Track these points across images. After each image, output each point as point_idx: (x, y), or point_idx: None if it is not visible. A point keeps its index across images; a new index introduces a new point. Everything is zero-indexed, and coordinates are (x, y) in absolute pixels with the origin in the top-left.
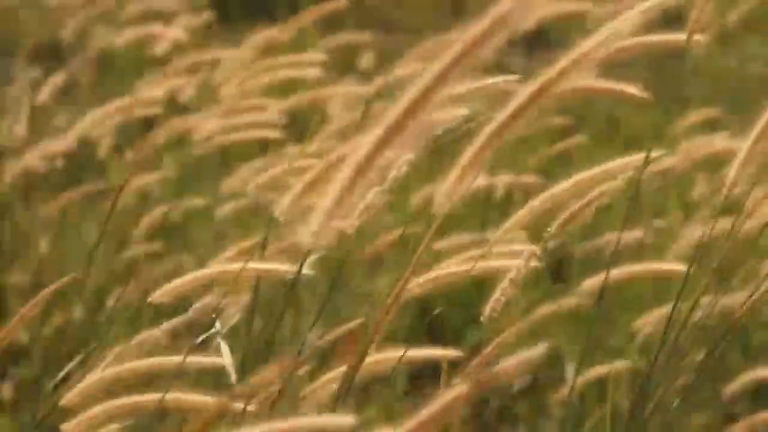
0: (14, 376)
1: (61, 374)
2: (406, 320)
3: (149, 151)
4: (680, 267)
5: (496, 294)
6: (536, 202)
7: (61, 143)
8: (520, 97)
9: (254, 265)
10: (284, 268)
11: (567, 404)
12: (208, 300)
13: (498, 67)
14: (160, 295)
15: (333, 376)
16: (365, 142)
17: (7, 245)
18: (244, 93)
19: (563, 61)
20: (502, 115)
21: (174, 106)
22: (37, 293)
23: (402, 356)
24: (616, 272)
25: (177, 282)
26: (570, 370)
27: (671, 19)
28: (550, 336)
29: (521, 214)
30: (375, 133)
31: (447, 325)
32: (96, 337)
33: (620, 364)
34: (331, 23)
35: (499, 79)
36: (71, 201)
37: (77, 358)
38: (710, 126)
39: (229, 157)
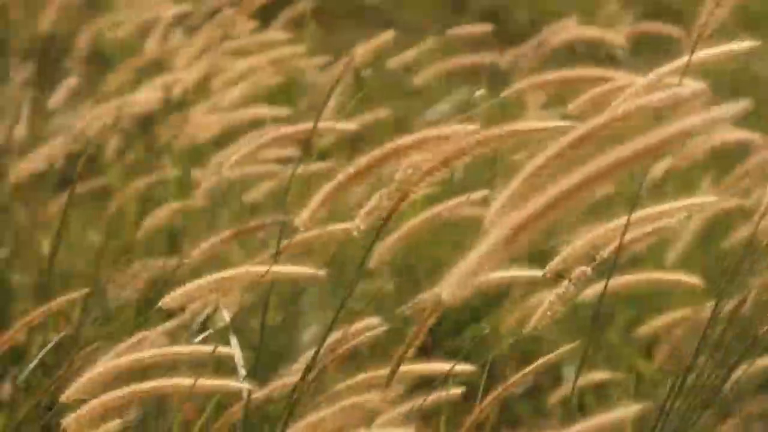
0: (14, 375)
1: (32, 365)
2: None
3: (149, 150)
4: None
5: (544, 307)
6: (596, 234)
7: (60, 143)
8: (571, 135)
9: (262, 268)
10: (293, 270)
11: (567, 405)
12: (205, 301)
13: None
14: (170, 300)
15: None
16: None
17: (9, 245)
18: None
19: (622, 108)
20: (549, 152)
21: (169, 102)
22: (39, 293)
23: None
24: (620, 280)
25: (188, 286)
26: (569, 370)
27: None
28: (549, 336)
29: (579, 244)
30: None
31: (446, 314)
32: (95, 336)
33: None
34: (330, 22)
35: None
36: (72, 202)
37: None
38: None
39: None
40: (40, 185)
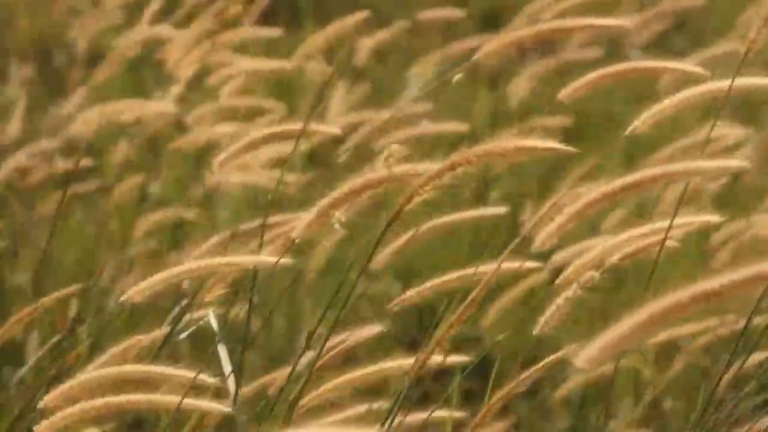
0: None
1: (25, 368)
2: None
3: (149, 150)
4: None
5: (552, 309)
6: (606, 244)
7: (56, 141)
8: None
9: (223, 259)
10: (253, 259)
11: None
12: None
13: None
14: (135, 293)
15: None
16: None
17: (7, 244)
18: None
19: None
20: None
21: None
22: (36, 293)
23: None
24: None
25: (153, 278)
26: (571, 369)
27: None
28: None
29: (590, 255)
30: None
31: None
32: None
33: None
34: (330, 20)
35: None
36: (70, 200)
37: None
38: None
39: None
40: (39, 183)
